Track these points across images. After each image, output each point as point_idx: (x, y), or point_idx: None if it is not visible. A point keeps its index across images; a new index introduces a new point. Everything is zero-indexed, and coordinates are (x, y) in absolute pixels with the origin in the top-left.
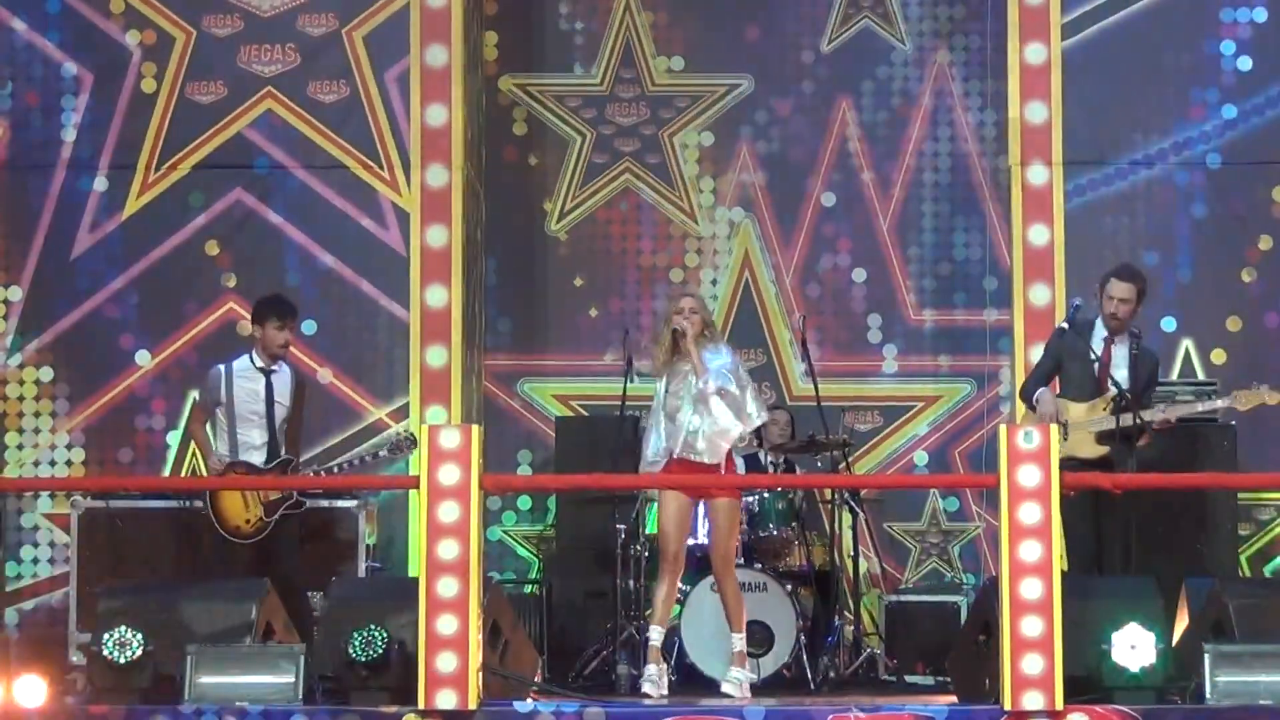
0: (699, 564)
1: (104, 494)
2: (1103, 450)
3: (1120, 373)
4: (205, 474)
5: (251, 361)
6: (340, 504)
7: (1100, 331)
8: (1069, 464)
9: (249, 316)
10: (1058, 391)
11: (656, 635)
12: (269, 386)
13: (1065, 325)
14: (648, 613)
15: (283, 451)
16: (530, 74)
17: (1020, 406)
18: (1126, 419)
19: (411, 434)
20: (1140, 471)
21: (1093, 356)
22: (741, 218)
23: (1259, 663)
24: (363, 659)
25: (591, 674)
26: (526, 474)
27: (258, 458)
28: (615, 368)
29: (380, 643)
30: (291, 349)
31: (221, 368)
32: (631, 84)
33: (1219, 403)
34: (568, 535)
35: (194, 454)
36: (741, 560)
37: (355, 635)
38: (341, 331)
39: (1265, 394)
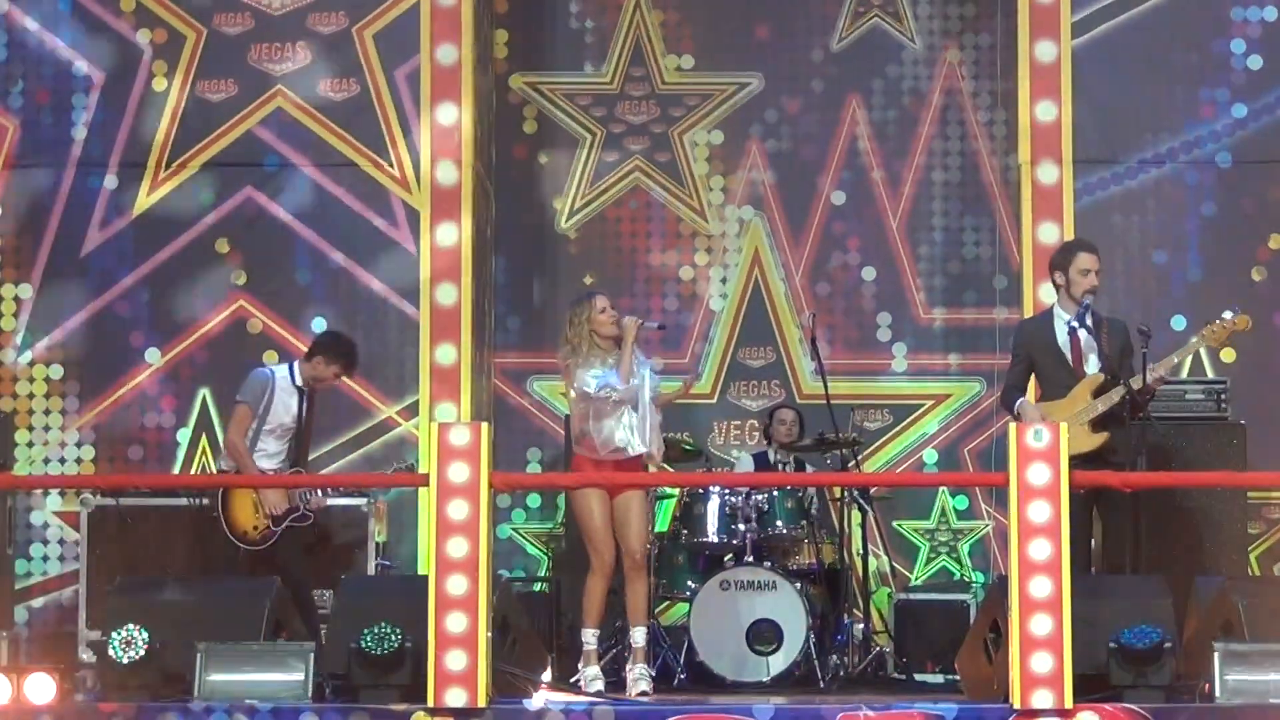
0: (707, 562)
1: (114, 491)
2: (1101, 439)
3: (1094, 353)
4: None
5: (292, 379)
6: (349, 502)
7: (1063, 316)
8: (1070, 463)
9: (309, 340)
10: (1040, 393)
11: (593, 638)
12: (301, 403)
13: (1074, 324)
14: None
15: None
16: (540, 72)
17: None
18: (1115, 395)
19: (408, 466)
20: (1150, 463)
21: (1061, 346)
22: (751, 216)
23: (1269, 661)
24: (372, 657)
25: (601, 672)
26: (536, 472)
27: (268, 465)
28: None
29: (390, 641)
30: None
31: (270, 374)
32: (641, 82)
33: (1195, 343)
34: (577, 533)
35: (204, 451)
36: (751, 558)
37: (365, 633)
38: (351, 329)
39: (1232, 321)
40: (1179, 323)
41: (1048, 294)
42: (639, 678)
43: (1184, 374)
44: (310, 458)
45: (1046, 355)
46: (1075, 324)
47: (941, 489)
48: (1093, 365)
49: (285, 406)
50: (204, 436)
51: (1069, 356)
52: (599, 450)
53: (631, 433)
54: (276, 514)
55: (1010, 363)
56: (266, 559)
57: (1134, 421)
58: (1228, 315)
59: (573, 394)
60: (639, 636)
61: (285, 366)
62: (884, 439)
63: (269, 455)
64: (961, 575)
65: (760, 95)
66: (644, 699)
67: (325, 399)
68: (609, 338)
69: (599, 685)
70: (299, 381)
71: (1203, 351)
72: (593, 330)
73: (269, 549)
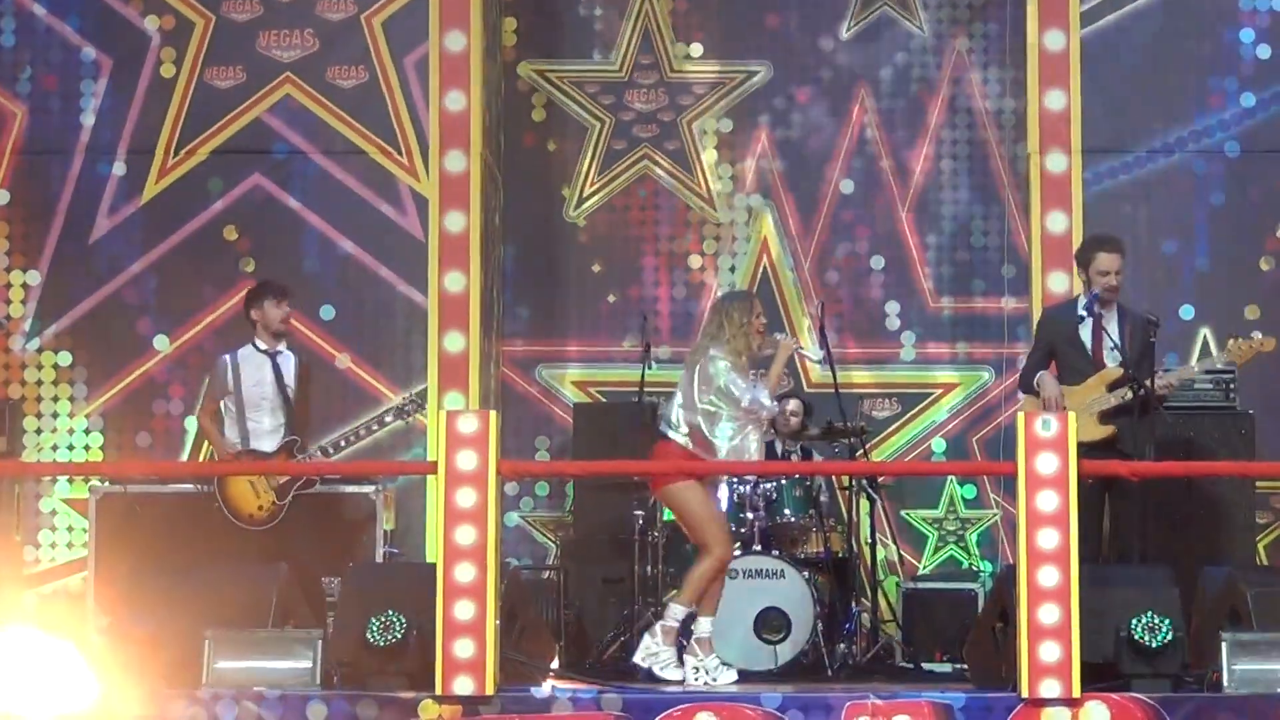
0: None
1: (122, 479)
2: (1107, 430)
3: (1112, 351)
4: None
5: (255, 347)
6: (358, 489)
7: (1083, 308)
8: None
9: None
10: (1058, 379)
11: (709, 626)
12: (276, 369)
13: (1083, 314)
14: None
15: (289, 434)
16: (549, 60)
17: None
18: (1127, 393)
19: (413, 398)
20: (1158, 453)
21: (1082, 336)
22: (760, 204)
23: (1276, 651)
24: (380, 644)
25: (609, 660)
26: (544, 460)
27: (269, 443)
28: (633, 354)
29: (398, 628)
30: (293, 326)
31: (227, 357)
32: (650, 70)
33: (1217, 358)
34: (585, 521)
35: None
36: (759, 547)
37: (373, 621)
38: (359, 317)
39: (1259, 342)
40: (1187, 312)
41: (1056, 283)
42: (716, 667)
43: (1192, 362)
44: (315, 443)
45: (1067, 343)
46: (1084, 313)
47: (950, 478)
48: (1111, 357)
49: (256, 378)
50: None
51: (1089, 346)
52: (703, 451)
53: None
54: (231, 457)
55: (1033, 346)
56: (276, 537)
57: (1143, 417)
58: (1257, 335)
59: (707, 388)
60: (706, 626)
61: (248, 344)
62: (892, 428)
63: (264, 433)
64: (969, 564)
65: (769, 84)
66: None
67: (333, 386)
68: (751, 345)
69: (733, 675)
70: (264, 347)
71: (1211, 340)
72: (748, 336)
73: (279, 530)
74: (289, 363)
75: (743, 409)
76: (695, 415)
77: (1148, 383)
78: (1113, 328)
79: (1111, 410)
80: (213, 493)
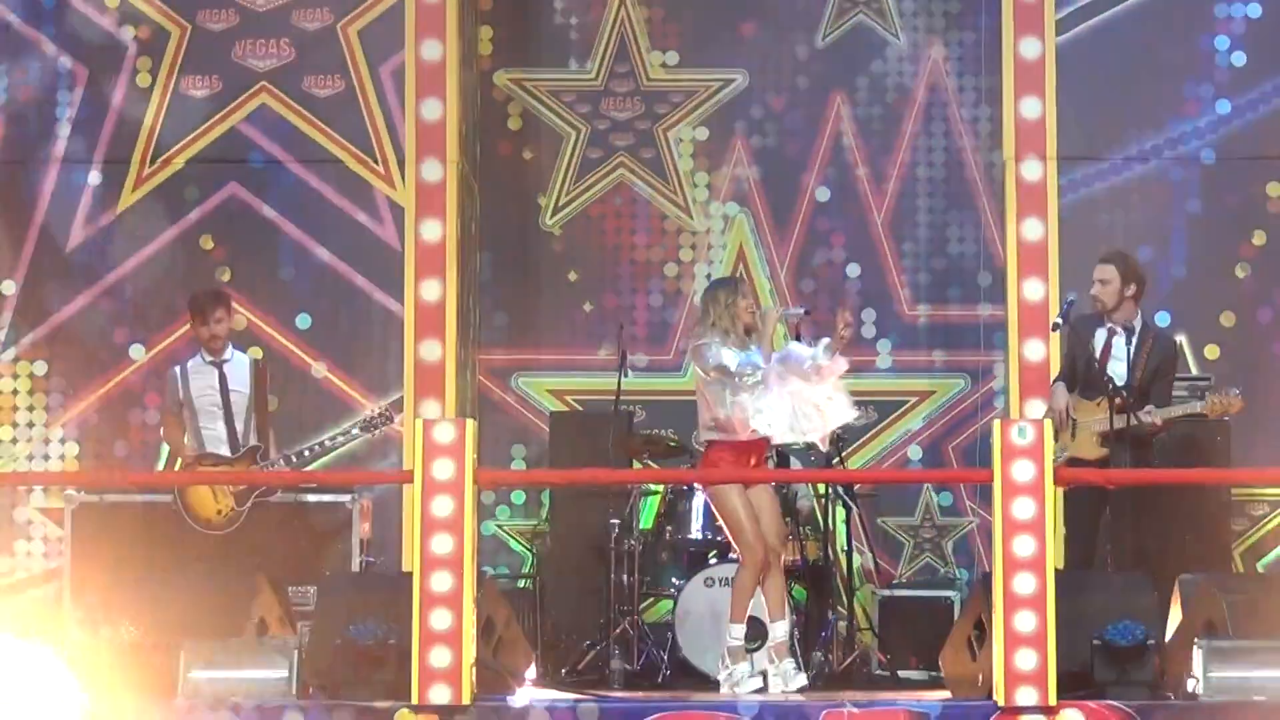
0: (691, 559)
1: (97, 488)
2: (1103, 452)
3: (1118, 367)
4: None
5: (202, 357)
6: (334, 498)
7: (1105, 324)
8: (1072, 464)
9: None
10: (1075, 390)
11: (740, 634)
12: (222, 377)
13: (1059, 321)
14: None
15: (251, 439)
16: (525, 69)
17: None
18: (1120, 419)
19: (384, 411)
20: (1137, 467)
21: (1093, 347)
22: (736, 212)
23: (1251, 658)
24: (359, 649)
25: (585, 669)
26: (520, 469)
27: (225, 448)
28: (610, 362)
29: (374, 638)
30: (216, 335)
31: (176, 368)
32: (626, 79)
33: (1196, 406)
34: (562, 530)
35: None
36: (735, 555)
37: (349, 630)
38: (336, 326)
39: (1229, 400)
40: (1163, 319)
41: (1032, 290)
42: (791, 674)
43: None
44: (286, 451)
45: (1082, 352)
46: (1060, 319)
47: (926, 486)
48: (1117, 372)
49: (203, 388)
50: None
51: (1096, 358)
52: (740, 430)
53: (769, 416)
54: (190, 460)
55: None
56: (251, 550)
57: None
58: (1234, 392)
59: (707, 375)
60: (780, 631)
61: (196, 355)
62: (868, 435)
63: (219, 440)
64: (946, 572)
65: (745, 92)
66: (772, 697)
67: (309, 394)
68: (745, 325)
69: (757, 684)
70: (209, 358)
71: (1187, 347)
72: (734, 316)
73: (254, 539)
74: (239, 368)
75: (736, 376)
76: (716, 407)
77: (1140, 415)
78: (1122, 346)
79: (1110, 434)
80: (171, 500)
